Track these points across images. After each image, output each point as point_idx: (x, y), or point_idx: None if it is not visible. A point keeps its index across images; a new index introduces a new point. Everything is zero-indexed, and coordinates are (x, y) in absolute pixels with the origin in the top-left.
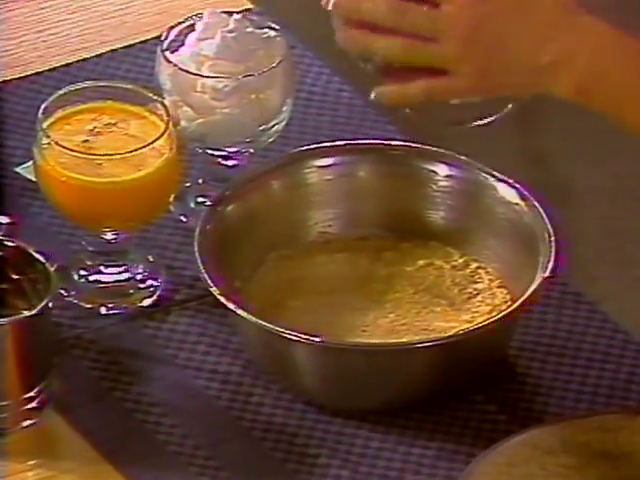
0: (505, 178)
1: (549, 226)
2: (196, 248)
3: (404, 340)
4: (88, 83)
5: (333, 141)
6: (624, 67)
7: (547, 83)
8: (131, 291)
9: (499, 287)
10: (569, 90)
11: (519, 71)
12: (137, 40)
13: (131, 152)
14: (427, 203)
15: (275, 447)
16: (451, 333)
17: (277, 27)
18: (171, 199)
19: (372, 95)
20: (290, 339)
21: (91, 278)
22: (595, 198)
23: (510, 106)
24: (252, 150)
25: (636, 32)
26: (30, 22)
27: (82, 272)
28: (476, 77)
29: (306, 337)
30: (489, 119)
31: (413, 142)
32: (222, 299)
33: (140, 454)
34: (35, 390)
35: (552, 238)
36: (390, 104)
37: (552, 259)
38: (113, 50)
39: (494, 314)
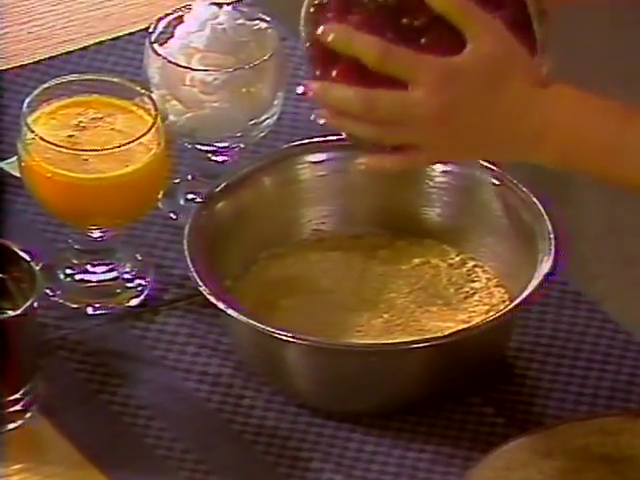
0: (503, 174)
1: (548, 223)
2: (185, 246)
3: (399, 341)
4: (74, 76)
5: (326, 136)
6: (597, 127)
7: (528, 156)
8: (118, 290)
9: (497, 286)
10: (553, 160)
11: (496, 147)
12: (124, 32)
13: (118, 147)
14: (423, 200)
15: (267, 451)
16: (447, 333)
17: (268, 19)
18: (160, 196)
19: (357, 164)
20: (282, 340)
21: (77, 277)
22: (595, 195)
23: None
24: (243, 145)
25: (634, 30)
26: (14, 13)
27: (68, 271)
28: (451, 152)
29: (298, 338)
30: None
31: None
32: (212, 299)
33: (128, 458)
34: (20, 392)
35: (551, 236)
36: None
37: (551, 257)
38: (100, 42)
39: (491, 314)
